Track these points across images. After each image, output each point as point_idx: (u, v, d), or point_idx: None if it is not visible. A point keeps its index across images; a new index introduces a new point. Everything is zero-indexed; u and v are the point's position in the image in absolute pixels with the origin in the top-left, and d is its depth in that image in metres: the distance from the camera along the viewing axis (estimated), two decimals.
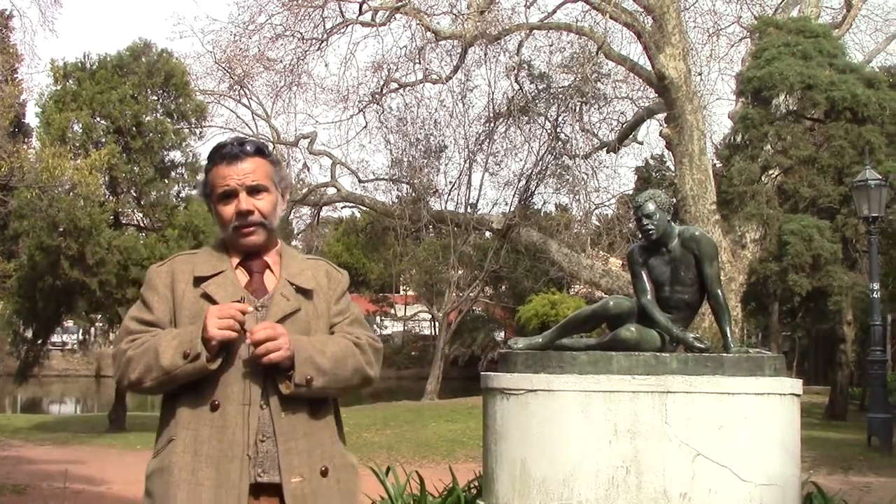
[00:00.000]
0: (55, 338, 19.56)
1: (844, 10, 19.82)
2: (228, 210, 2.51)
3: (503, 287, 40.87)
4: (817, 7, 19.32)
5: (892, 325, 26.66)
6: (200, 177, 2.71)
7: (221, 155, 2.53)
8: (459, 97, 23.57)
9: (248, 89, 24.94)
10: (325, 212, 31.87)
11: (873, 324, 14.09)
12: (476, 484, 6.25)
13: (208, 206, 2.62)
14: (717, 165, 18.38)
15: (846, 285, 14.76)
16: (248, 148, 2.55)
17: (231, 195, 2.51)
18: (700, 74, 20.67)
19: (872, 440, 13.48)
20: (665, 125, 17.69)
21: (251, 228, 2.51)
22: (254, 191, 2.51)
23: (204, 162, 2.70)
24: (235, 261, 2.56)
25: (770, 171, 16.07)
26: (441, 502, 5.85)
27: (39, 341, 18.85)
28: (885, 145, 14.86)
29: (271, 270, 2.57)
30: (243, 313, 2.35)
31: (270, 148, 2.71)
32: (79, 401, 32.31)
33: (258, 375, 2.39)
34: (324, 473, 2.42)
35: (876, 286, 13.83)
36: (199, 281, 2.48)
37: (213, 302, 2.43)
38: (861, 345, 20.38)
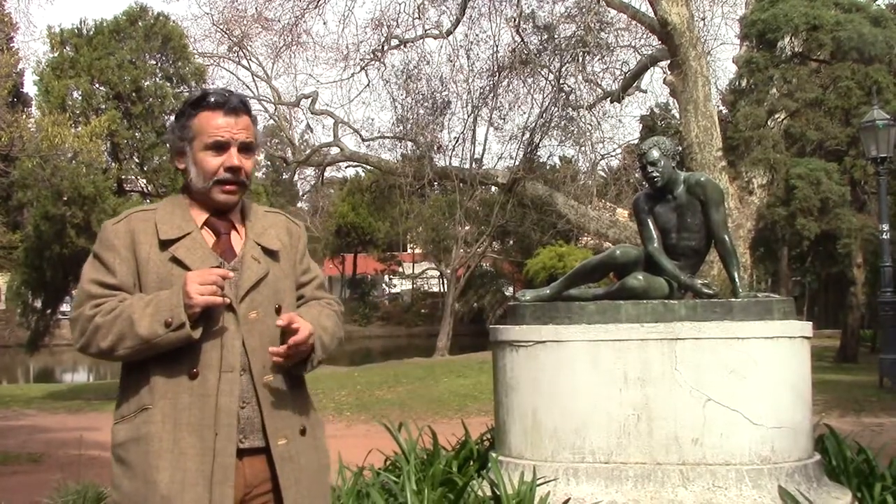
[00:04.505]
0: (64, 307, 19.63)
1: None
2: (214, 162, 2.43)
3: (510, 241, 40.88)
4: None
5: None
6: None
7: (217, 103, 2.44)
8: (463, 51, 23.29)
9: (248, 50, 24.76)
10: (330, 172, 31.74)
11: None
12: (488, 437, 6.26)
13: (179, 150, 2.49)
14: (723, 111, 18.20)
15: (855, 227, 14.68)
16: (243, 102, 2.49)
17: (222, 147, 2.43)
18: (703, 19, 20.36)
19: (884, 381, 13.51)
20: (669, 72, 17.44)
21: (234, 187, 2.45)
22: (244, 148, 2.46)
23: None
24: (200, 219, 2.47)
25: (776, 115, 15.88)
26: (454, 456, 5.86)
27: (49, 311, 18.90)
28: (892, 85, 14.66)
29: (236, 230, 2.50)
30: (223, 278, 2.31)
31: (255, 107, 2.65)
32: (91, 369, 32.45)
33: (236, 342, 2.36)
34: (302, 433, 2.45)
35: (885, 227, 13.78)
36: (165, 244, 2.39)
37: (184, 266, 2.36)
38: (871, 287, 20.32)
